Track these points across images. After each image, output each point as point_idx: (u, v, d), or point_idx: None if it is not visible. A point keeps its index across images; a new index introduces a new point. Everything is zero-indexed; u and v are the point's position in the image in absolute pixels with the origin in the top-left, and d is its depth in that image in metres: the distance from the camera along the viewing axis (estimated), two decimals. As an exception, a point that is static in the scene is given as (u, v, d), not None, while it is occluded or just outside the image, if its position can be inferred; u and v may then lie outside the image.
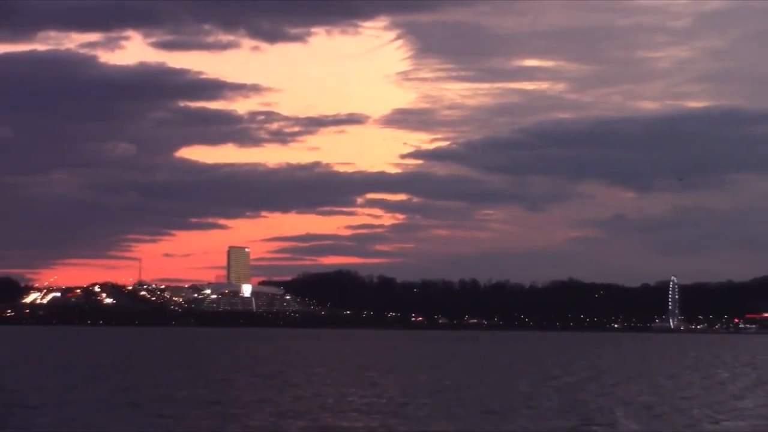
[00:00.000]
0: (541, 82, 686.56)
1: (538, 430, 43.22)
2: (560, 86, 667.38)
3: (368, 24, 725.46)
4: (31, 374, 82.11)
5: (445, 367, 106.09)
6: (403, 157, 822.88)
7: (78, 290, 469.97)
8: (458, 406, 55.13)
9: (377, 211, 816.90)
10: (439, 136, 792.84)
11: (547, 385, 74.36)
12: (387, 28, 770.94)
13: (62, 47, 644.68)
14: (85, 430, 42.12)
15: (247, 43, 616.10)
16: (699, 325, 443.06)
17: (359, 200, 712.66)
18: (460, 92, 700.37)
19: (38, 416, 46.61)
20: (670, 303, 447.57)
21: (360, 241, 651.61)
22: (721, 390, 73.37)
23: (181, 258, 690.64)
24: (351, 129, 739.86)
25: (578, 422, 46.85)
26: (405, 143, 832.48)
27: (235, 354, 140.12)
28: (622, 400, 61.03)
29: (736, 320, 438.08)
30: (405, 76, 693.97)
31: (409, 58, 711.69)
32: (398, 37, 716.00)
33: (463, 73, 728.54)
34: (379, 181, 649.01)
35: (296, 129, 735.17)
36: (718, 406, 57.53)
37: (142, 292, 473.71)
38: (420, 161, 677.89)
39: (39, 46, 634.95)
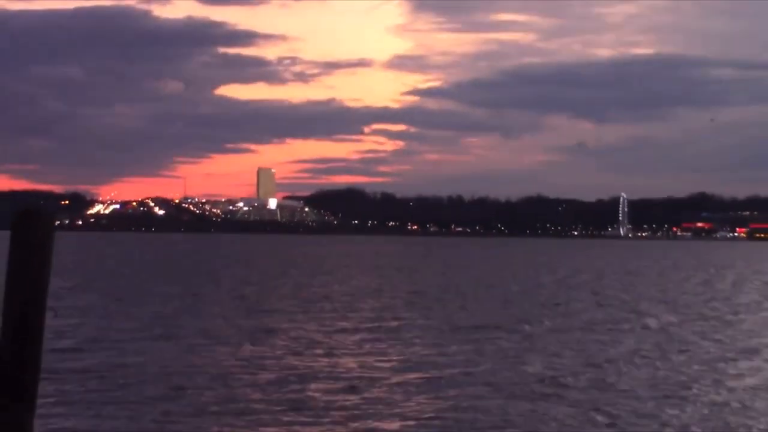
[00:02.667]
0: (515, 33, 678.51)
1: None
2: (531, 36, 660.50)
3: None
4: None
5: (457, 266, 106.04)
6: (402, 94, 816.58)
7: (134, 203, 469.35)
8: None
9: (381, 139, 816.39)
10: (431, 77, 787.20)
11: (580, 286, 74.01)
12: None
13: (123, 3, 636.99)
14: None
15: (276, 0, 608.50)
16: (644, 233, 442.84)
17: (366, 130, 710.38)
18: (448, 41, 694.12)
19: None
20: (620, 215, 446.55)
21: (366, 164, 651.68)
22: (716, 284, 73.70)
23: (219, 177, 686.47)
24: (360, 71, 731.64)
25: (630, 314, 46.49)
26: (404, 83, 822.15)
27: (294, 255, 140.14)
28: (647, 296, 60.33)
29: (675, 229, 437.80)
30: (403, 28, 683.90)
31: (406, 13, 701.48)
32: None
33: (451, 26, 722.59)
34: (383, 114, 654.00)
35: (315, 71, 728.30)
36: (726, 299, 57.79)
37: (187, 205, 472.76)
38: (416, 98, 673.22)
39: (104, 3, 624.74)
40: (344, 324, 39.01)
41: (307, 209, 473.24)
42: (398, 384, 24.37)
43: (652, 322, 41.96)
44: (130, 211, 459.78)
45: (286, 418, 19.76)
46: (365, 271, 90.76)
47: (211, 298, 52.22)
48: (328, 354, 29.76)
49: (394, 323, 39.67)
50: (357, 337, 34.57)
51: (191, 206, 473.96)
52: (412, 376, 25.63)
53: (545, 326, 39.30)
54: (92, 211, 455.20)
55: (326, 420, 19.79)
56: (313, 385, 23.87)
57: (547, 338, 34.99)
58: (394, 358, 29.15)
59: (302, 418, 19.85)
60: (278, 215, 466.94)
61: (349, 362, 28.02)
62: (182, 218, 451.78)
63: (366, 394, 22.80)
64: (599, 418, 20.66)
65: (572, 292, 62.82)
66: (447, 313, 44.75)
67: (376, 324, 39.25)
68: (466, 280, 75.42)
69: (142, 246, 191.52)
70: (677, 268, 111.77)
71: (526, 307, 49.20)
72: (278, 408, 20.87)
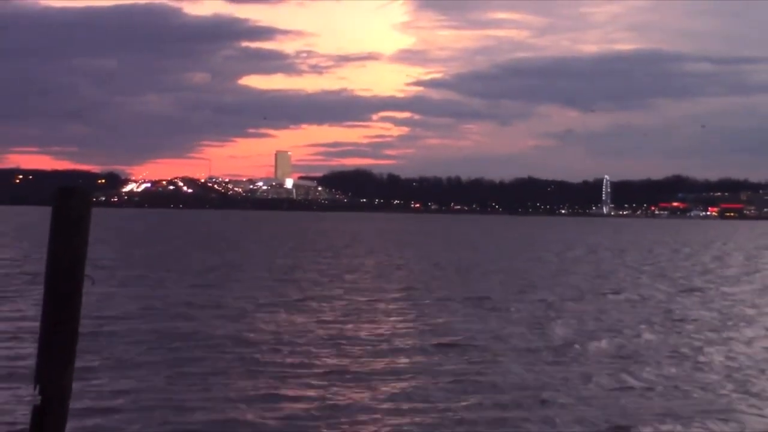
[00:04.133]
0: (509, 30, 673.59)
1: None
2: (524, 33, 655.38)
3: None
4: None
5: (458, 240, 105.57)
6: (407, 85, 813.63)
7: (164, 182, 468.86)
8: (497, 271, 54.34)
9: (387, 125, 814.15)
10: (433, 69, 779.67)
11: (581, 260, 73.48)
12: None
13: (157, 1, 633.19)
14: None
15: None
16: (624, 211, 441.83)
17: (374, 117, 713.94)
18: (448, 37, 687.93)
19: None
20: (603, 195, 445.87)
21: (374, 147, 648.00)
22: (702, 258, 73.15)
23: (241, 158, 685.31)
24: (369, 64, 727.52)
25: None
26: (408, 75, 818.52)
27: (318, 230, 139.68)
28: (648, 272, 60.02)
29: (653, 208, 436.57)
30: (408, 25, 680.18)
31: (410, 11, 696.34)
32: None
33: (450, 23, 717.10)
34: (389, 103, 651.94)
35: (329, 64, 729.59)
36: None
37: (211, 184, 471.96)
38: (420, 88, 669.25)
39: (140, 1, 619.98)
40: (373, 295, 38.48)
41: (320, 188, 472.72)
42: (430, 347, 23.97)
43: (656, 294, 41.52)
44: (160, 189, 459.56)
45: (322, 382, 19.18)
46: (383, 246, 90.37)
47: (247, 269, 51.78)
48: (365, 321, 29.33)
49: (420, 293, 39.21)
50: (389, 306, 34.06)
51: (215, 185, 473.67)
52: (443, 340, 25.15)
53: (563, 296, 38.77)
54: (126, 189, 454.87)
55: (363, 382, 19.28)
56: (354, 349, 23.37)
57: (566, 307, 34.56)
58: (424, 324, 28.64)
59: (341, 382, 19.31)
60: (294, 194, 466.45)
61: (383, 328, 27.52)
62: (207, 196, 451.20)
63: (403, 358, 22.35)
64: (628, 378, 20.25)
65: (578, 265, 62.41)
66: (468, 285, 44.33)
67: (405, 294, 38.82)
68: (479, 255, 74.97)
69: (172, 221, 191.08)
70: (662, 243, 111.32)
71: (538, 279, 48.74)
72: (318, 371, 20.38)
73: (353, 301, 34.95)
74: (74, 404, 8.35)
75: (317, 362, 21.49)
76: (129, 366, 20.35)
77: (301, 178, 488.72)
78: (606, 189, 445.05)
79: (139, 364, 20.54)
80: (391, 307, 33.61)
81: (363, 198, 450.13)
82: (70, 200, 8.28)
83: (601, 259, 71.13)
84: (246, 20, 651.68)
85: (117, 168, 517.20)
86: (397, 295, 37.88)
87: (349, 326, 27.76)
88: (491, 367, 21.25)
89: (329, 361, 21.73)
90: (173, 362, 20.91)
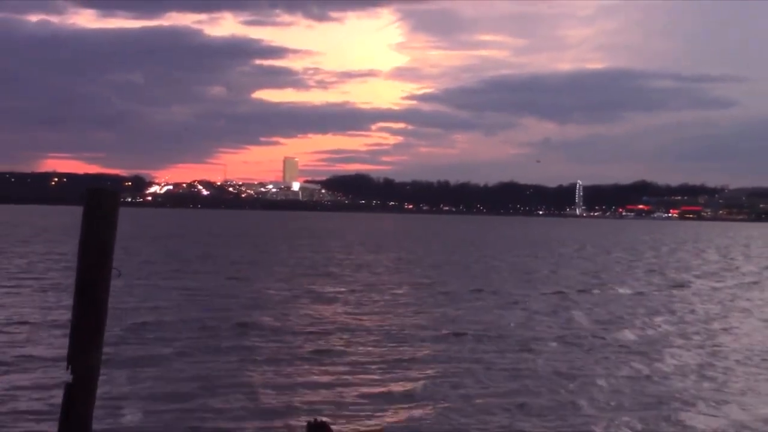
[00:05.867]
0: (493, 50, 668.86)
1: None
2: (505, 53, 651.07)
3: (381, 10, 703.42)
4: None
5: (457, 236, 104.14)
6: (402, 98, 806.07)
7: (184, 184, 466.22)
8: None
9: (385, 134, 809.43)
10: (425, 85, 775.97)
11: (572, 257, 72.11)
12: (392, 14, 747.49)
13: (180, 23, 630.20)
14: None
15: (303, 22, 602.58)
16: (595, 213, 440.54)
17: (373, 127, 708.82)
18: (438, 56, 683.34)
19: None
20: (576, 198, 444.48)
21: (372, 154, 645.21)
22: (681, 254, 71.87)
23: (253, 164, 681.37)
24: (369, 80, 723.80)
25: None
26: (403, 90, 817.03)
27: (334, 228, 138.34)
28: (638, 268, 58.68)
29: (620, 210, 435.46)
30: (403, 45, 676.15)
31: (405, 34, 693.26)
32: (398, 20, 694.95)
33: (440, 44, 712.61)
34: (386, 115, 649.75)
35: (333, 79, 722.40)
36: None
37: (227, 187, 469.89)
38: (413, 102, 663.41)
39: (165, 22, 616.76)
40: (384, 287, 37.04)
41: (323, 191, 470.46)
42: (452, 336, 22.70)
43: (653, 287, 40.22)
44: (180, 191, 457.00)
45: (334, 368, 18.00)
46: (387, 245, 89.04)
47: (267, 264, 50.35)
48: (377, 312, 27.94)
49: (431, 285, 37.82)
50: (402, 299, 32.54)
51: (230, 188, 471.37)
52: (456, 329, 23.90)
53: (573, 289, 37.38)
54: (150, 191, 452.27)
55: (377, 369, 18.01)
56: (371, 339, 22.07)
57: (576, 299, 33.19)
58: (437, 314, 27.34)
59: (357, 367, 18.11)
60: (300, 195, 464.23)
61: (393, 319, 26.14)
62: (223, 197, 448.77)
63: (418, 345, 20.99)
64: (640, 363, 18.83)
65: (573, 261, 61.05)
66: (479, 278, 42.92)
67: (417, 287, 37.41)
68: (483, 251, 73.63)
69: (192, 220, 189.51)
70: (642, 242, 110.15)
71: (545, 272, 47.36)
72: (337, 358, 19.16)
73: (375, 293, 33.58)
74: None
75: (332, 348, 20.40)
76: (167, 354, 19.14)
77: (306, 181, 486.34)
78: (579, 192, 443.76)
79: (178, 351, 19.40)
80: (407, 299, 32.19)
81: (362, 200, 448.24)
82: (99, 199, 8.43)
83: (590, 255, 69.76)
84: (260, 41, 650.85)
85: (142, 172, 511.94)
86: (413, 287, 36.52)
87: (374, 317, 26.36)
88: (520, 355, 19.94)
89: (363, 349, 20.49)
90: (230, 349, 19.71)
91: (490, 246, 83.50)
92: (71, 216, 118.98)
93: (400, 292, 34.64)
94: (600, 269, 52.00)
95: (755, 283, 44.28)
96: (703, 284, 42.69)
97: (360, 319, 25.54)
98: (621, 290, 37.57)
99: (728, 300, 34.67)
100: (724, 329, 25.53)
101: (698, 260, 66.48)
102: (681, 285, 41.72)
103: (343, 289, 34.83)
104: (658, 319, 27.31)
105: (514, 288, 36.97)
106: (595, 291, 36.99)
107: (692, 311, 30.12)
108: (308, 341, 21.30)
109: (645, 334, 23.95)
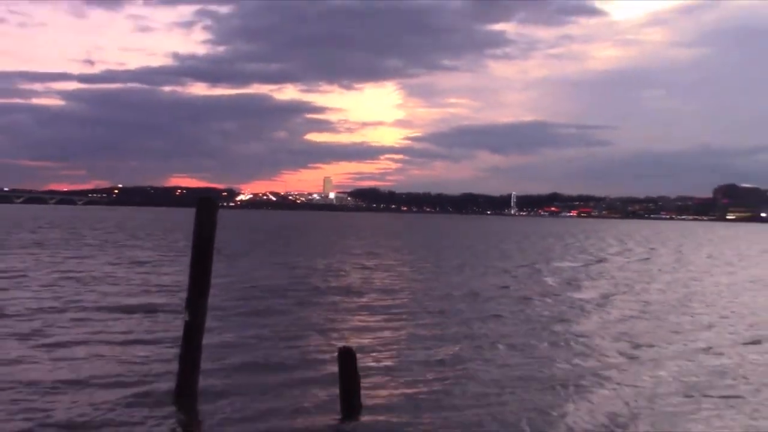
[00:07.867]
0: (459, 108, 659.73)
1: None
2: (467, 110, 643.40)
3: (387, 83, 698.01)
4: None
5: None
6: (401, 139, 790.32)
7: (259, 194, 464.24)
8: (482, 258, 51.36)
9: (389, 162, 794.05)
10: (416, 131, 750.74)
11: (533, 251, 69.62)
12: (394, 85, 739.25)
13: (259, 92, 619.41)
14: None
15: (338, 90, 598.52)
16: (523, 213, 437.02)
17: (382, 157, 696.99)
18: (424, 113, 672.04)
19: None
20: (512, 203, 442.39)
21: (381, 175, 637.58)
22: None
23: (304, 181, 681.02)
24: (379, 127, 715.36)
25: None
26: (401, 134, 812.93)
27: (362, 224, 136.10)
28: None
29: (539, 211, 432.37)
30: (401, 105, 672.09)
31: (403, 98, 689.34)
32: (398, 89, 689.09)
33: (425, 105, 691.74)
34: (390, 150, 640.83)
35: (356, 127, 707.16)
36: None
37: (287, 196, 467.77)
38: (409, 141, 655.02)
39: (249, 90, 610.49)
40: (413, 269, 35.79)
41: (349, 198, 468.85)
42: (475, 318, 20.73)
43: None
44: (257, 199, 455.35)
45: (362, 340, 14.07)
46: (396, 235, 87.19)
47: (334, 248, 49.10)
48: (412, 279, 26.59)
49: (433, 260, 36.72)
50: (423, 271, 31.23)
51: (289, 197, 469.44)
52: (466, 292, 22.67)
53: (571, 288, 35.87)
54: (237, 198, 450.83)
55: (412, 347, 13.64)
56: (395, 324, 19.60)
57: (571, 302, 32.20)
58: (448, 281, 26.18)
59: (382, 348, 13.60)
60: (334, 202, 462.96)
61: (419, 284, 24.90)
62: (284, 203, 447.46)
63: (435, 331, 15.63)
64: (637, 351, 13.62)
65: (526, 245, 59.56)
66: (476, 276, 41.70)
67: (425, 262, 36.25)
68: (473, 251, 71.83)
69: (266, 218, 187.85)
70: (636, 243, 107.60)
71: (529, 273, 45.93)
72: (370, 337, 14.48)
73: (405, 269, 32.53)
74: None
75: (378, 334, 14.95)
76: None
77: (338, 192, 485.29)
78: (513, 200, 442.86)
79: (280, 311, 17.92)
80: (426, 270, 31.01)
81: (374, 204, 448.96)
82: (206, 205, 9.01)
83: (537, 242, 68.27)
84: (309, 102, 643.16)
85: (233, 185, 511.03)
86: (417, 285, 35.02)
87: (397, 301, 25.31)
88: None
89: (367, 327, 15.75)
90: (313, 304, 18.71)
91: (463, 236, 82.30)
92: (189, 215, 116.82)
93: (425, 265, 33.87)
94: (546, 250, 51.16)
95: (647, 258, 43.36)
96: (617, 259, 41.97)
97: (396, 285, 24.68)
98: (567, 264, 36.90)
99: (637, 269, 33.88)
100: (644, 289, 24.72)
101: (604, 244, 65.46)
102: (603, 260, 41.01)
103: (376, 263, 33.98)
104: (600, 282, 26.65)
105: (497, 263, 36.24)
106: (554, 263, 36.32)
107: (613, 277, 29.36)
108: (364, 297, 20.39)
109: (595, 293, 23.26)
